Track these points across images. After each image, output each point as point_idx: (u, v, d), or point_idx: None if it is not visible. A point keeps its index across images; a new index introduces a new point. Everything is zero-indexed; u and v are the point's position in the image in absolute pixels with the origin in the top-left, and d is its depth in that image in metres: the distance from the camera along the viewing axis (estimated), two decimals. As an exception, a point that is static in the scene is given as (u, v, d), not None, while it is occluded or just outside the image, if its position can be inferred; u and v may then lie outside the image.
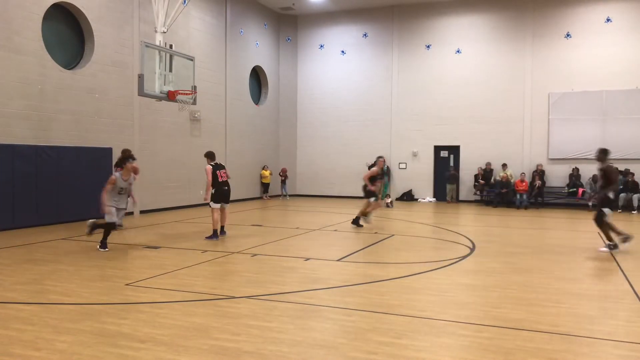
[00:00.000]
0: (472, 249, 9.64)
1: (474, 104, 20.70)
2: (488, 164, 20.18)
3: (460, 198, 20.99)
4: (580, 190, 18.44)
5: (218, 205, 10.51)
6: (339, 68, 22.89)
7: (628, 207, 17.56)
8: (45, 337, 4.69)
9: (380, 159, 13.30)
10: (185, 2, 13.90)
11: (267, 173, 21.90)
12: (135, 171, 9.44)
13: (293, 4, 21.78)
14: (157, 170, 16.10)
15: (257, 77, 22.59)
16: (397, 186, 21.76)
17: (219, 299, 6.05)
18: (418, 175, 21.63)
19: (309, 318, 5.35)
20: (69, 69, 13.60)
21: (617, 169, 10.02)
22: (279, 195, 22.81)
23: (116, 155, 13.80)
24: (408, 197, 21.60)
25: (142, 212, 15.17)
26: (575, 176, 18.93)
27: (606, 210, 9.43)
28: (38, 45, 12.64)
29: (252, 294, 6.26)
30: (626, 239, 9.37)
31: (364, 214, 12.80)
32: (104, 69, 14.35)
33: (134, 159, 9.41)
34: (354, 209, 16.48)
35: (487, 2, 20.63)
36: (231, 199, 10.92)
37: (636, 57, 18.66)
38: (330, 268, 8.01)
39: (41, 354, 4.30)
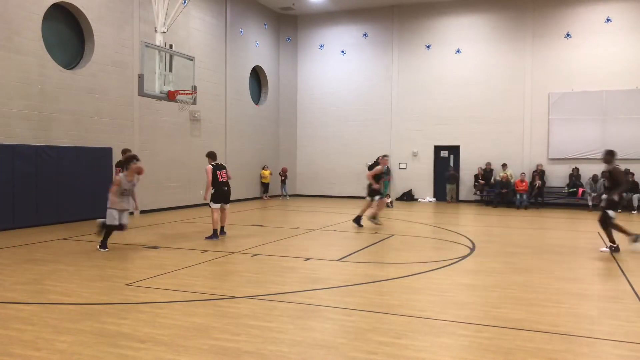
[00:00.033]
0: (472, 249, 9.64)
1: (474, 104, 20.70)
2: (488, 164, 20.19)
3: (460, 198, 20.99)
4: (580, 190, 18.44)
5: (218, 206, 10.52)
6: (339, 68, 22.89)
7: (628, 207, 17.55)
8: (45, 337, 4.69)
9: (385, 158, 13.32)
10: (185, 2, 13.91)
11: (267, 173, 21.90)
12: (140, 172, 9.42)
13: (293, 4, 21.78)
14: (157, 170, 16.10)
15: (257, 77, 22.60)
16: (397, 186, 21.75)
17: (219, 299, 6.05)
18: (418, 175, 21.63)
19: (309, 318, 5.35)
20: (69, 69, 13.61)
21: (625, 170, 9.91)
22: (279, 195, 22.81)
23: (116, 155, 13.82)
24: (408, 197, 21.61)
25: (142, 212, 15.17)
26: (575, 176, 18.93)
27: (610, 212, 9.35)
28: (38, 45, 12.65)
29: (252, 294, 6.26)
30: (637, 238, 9.33)
31: (373, 216, 12.78)
32: (104, 69, 14.35)
33: (138, 159, 9.38)
34: (354, 209, 16.47)
35: (487, 2, 20.63)
36: (231, 199, 10.93)
37: (636, 57, 18.66)
38: (330, 268, 8.01)
39: (41, 354, 4.30)
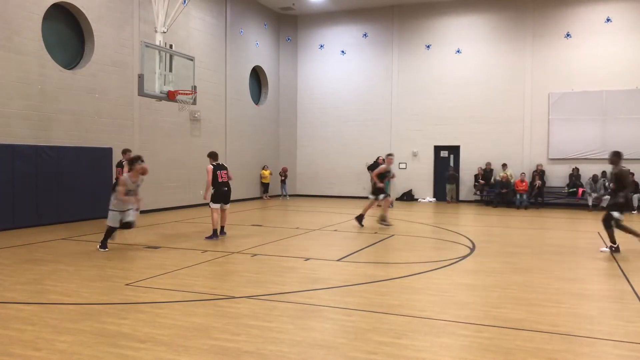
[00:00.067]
0: (472, 249, 9.64)
1: (474, 104, 20.70)
2: (488, 164, 20.19)
3: (460, 198, 20.99)
4: (580, 190, 18.44)
5: (218, 206, 10.53)
6: (339, 68, 22.89)
7: (628, 207, 17.54)
8: (45, 337, 4.69)
9: (390, 157, 13.34)
10: (185, 2, 13.91)
11: (267, 173, 21.90)
12: (144, 172, 9.42)
13: (293, 4, 21.78)
14: (157, 170, 16.08)
15: (257, 77, 22.60)
16: (397, 186, 21.74)
17: (219, 299, 6.05)
18: (418, 175, 21.63)
19: (309, 318, 5.35)
20: (69, 69, 13.61)
21: (631, 172, 9.79)
22: (279, 195, 22.81)
23: (116, 155, 13.83)
24: (408, 197, 21.61)
25: (142, 212, 15.10)
26: (575, 176, 18.93)
27: (616, 214, 9.29)
28: (38, 45, 12.65)
29: (252, 294, 6.26)
30: None
31: (383, 218, 12.77)
32: (104, 69, 14.36)
33: (142, 160, 9.39)
34: (354, 209, 16.47)
35: (487, 2, 20.63)
36: (231, 199, 10.93)
37: (636, 57, 18.66)
38: (330, 268, 8.01)
39: (41, 354, 4.30)
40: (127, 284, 6.72)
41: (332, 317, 5.43)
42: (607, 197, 17.64)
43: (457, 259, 8.66)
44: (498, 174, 19.90)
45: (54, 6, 13.13)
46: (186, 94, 12.73)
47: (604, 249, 9.54)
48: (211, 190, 10.48)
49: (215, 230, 10.52)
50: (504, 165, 19.81)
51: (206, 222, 12.45)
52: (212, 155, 10.81)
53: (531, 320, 5.28)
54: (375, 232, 11.88)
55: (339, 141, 22.89)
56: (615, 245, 9.33)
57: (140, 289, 6.50)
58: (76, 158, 13.30)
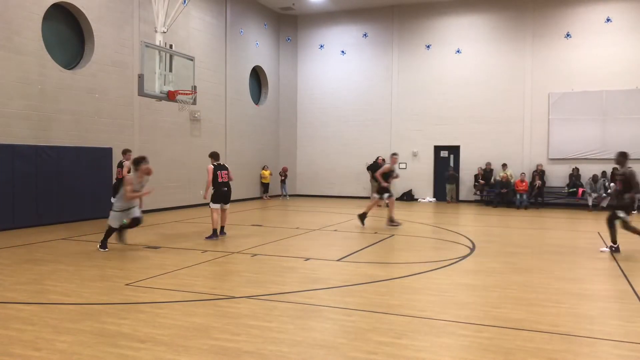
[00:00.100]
0: (472, 249, 9.64)
1: (474, 104, 20.70)
2: (488, 164, 20.19)
3: (460, 198, 20.99)
4: (580, 190, 18.44)
5: (217, 206, 10.55)
6: (339, 68, 22.89)
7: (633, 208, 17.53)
8: (45, 337, 4.69)
9: (395, 156, 13.40)
10: (185, 2, 13.91)
11: (267, 173, 21.90)
12: (149, 173, 9.43)
13: (293, 4, 21.78)
14: (157, 170, 15.98)
15: (257, 77, 22.60)
16: (397, 186, 21.72)
17: (219, 299, 6.05)
18: (418, 175, 21.63)
19: (309, 318, 5.35)
20: (69, 69, 13.61)
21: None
22: (279, 195, 22.81)
23: (116, 155, 13.83)
24: (408, 197, 21.61)
25: (142, 212, 15.13)
26: (575, 176, 18.93)
27: (622, 214, 9.25)
28: (38, 45, 12.65)
29: (252, 294, 6.26)
30: None
31: (391, 219, 12.76)
32: (104, 69, 14.35)
33: (147, 161, 9.41)
34: (354, 209, 16.47)
35: (487, 2, 20.63)
36: (231, 199, 10.93)
37: (636, 57, 18.66)
38: (330, 268, 8.01)
39: (41, 354, 4.30)
40: (127, 284, 6.72)
41: (332, 317, 5.43)
42: (608, 197, 17.71)
43: (457, 259, 8.66)
44: (498, 174, 19.90)
45: (54, 6, 13.13)
46: (186, 94, 12.74)
47: (604, 249, 9.54)
48: (211, 190, 10.51)
49: (215, 230, 10.53)
50: (504, 165, 19.81)
51: (206, 222, 12.45)
52: (214, 156, 10.85)
53: (531, 320, 5.28)
54: (376, 232, 11.88)
55: (339, 141, 22.89)
56: (615, 246, 9.33)
57: (140, 289, 6.50)
58: (76, 158, 13.30)
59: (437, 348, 4.51)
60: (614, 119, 18.77)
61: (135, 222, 9.35)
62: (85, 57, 14.10)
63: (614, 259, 8.80)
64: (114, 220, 9.20)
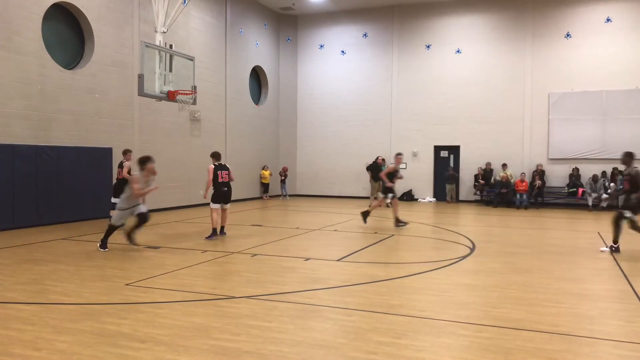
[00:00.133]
0: (472, 249, 9.64)
1: (474, 104, 20.70)
2: (488, 164, 20.18)
3: (460, 198, 20.99)
4: (580, 190, 18.43)
5: (217, 206, 10.57)
6: (339, 68, 22.89)
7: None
8: (45, 337, 4.69)
9: (399, 156, 13.43)
10: (185, 2, 13.91)
11: (267, 173, 21.89)
12: (154, 172, 9.47)
13: (293, 4, 21.78)
14: (158, 170, 16.00)
15: (257, 77, 22.60)
16: (397, 186, 21.69)
17: (219, 299, 6.05)
18: (418, 175, 21.62)
19: (309, 318, 5.35)
20: (69, 69, 13.61)
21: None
22: (279, 195, 22.81)
23: (116, 155, 13.83)
24: (408, 197, 21.60)
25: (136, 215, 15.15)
26: (575, 176, 18.93)
27: (629, 214, 9.22)
28: (38, 45, 12.64)
29: (252, 294, 6.26)
30: None
31: (397, 220, 12.76)
32: (104, 69, 14.35)
33: (153, 160, 9.45)
34: (354, 209, 16.50)
35: (487, 2, 20.63)
36: (231, 199, 10.94)
37: (636, 57, 18.66)
38: (330, 268, 8.01)
39: (41, 354, 4.30)
40: (127, 284, 6.72)
41: (332, 317, 5.43)
42: (607, 197, 17.70)
43: (457, 259, 8.66)
44: (498, 174, 19.90)
45: (54, 6, 13.13)
46: (186, 94, 12.74)
47: (604, 248, 9.54)
48: (211, 190, 10.54)
49: (214, 229, 10.55)
50: (504, 165, 19.81)
51: (206, 222, 12.45)
52: (215, 156, 10.88)
53: (531, 320, 5.28)
54: (376, 232, 11.88)
55: (339, 141, 22.89)
56: (615, 245, 9.32)
57: (140, 289, 6.50)
58: (76, 158, 13.30)
59: (437, 348, 4.51)
60: (614, 119, 18.77)
61: (142, 218, 9.34)
62: (85, 57, 14.10)
63: (614, 259, 8.80)
64: (118, 218, 9.25)
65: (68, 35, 13.88)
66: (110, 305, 5.77)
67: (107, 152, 14.14)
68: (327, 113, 23.06)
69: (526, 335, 4.81)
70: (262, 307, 5.69)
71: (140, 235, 11.00)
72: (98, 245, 9.28)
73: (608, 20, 19.01)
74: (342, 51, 22.82)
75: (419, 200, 21.55)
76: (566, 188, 18.97)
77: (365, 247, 9.91)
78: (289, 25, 23.49)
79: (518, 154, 20.18)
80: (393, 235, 11.51)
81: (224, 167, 10.71)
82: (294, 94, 23.68)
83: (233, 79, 20.05)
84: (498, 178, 19.70)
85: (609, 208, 17.76)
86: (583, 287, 6.86)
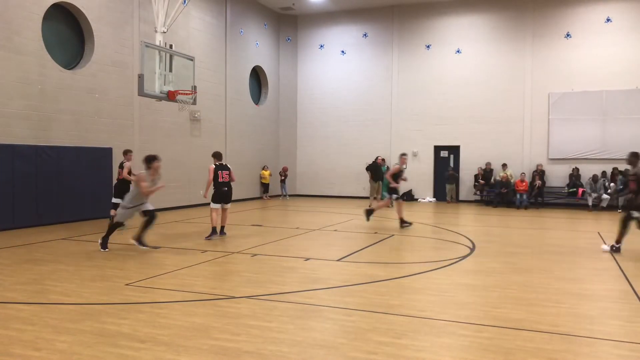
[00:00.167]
0: (472, 249, 9.64)
1: (474, 104, 20.70)
2: (488, 164, 20.18)
3: (460, 198, 20.99)
4: (580, 190, 18.43)
5: (218, 206, 10.58)
6: (339, 68, 22.89)
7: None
8: (45, 337, 4.69)
9: (404, 157, 13.49)
10: (185, 2, 13.91)
11: (267, 173, 21.89)
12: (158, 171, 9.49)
13: (293, 4, 21.78)
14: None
15: (257, 77, 22.59)
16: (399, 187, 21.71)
17: (219, 299, 6.05)
18: (418, 175, 21.61)
19: (309, 318, 5.35)
20: (69, 69, 13.61)
21: (626, 170, 9.62)
22: (279, 195, 22.81)
23: (116, 155, 13.83)
24: (408, 197, 21.56)
25: (142, 211, 15.14)
26: (575, 176, 18.93)
27: (637, 214, 9.20)
28: (38, 45, 12.64)
29: (252, 294, 6.26)
30: None
31: (401, 220, 12.73)
32: (104, 69, 14.35)
33: (159, 159, 9.47)
34: (354, 209, 16.50)
35: (487, 2, 20.63)
36: (232, 199, 10.94)
37: (636, 57, 18.66)
38: (330, 268, 8.01)
39: (41, 354, 4.30)
40: (127, 284, 6.72)
41: (332, 317, 5.43)
42: (607, 197, 17.70)
43: (457, 259, 8.66)
44: (498, 174, 19.90)
45: (54, 6, 13.13)
46: (186, 94, 12.74)
47: (605, 247, 9.54)
48: (211, 190, 10.56)
49: (214, 228, 10.56)
50: (504, 165, 19.81)
51: (206, 222, 12.45)
52: (216, 155, 10.89)
53: (531, 320, 5.28)
54: (376, 232, 11.89)
55: (339, 141, 22.89)
56: (617, 245, 9.32)
57: (140, 289, 6.50)
58: (76, 158, 13.30)
59: (437, 348, 4.51)
60: (614, 119, 18.77)
61: (151, 216, 9.34)
62: (85, 57, 14.10)
63: (614, 259, 8.80)
64: (122, 216, 9.30)
65: (68, 35, 13.88)
66: (110, 305, 5.77)
67: (107, 152, 14.14)
68: (327, 113, 23.06)
69: (526, 335, 4.81)
70: (262, 307, 5.69)
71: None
72: (99, 243, 9.28)
73: (608, 20, 19.01)
74: (342, 51, 22.82)
75: (419, 200, 21.55)
76: (566, 188, 18.97)
77: (365, 247, 9.91)
78: (289, 25, 23.49)
79: (518, 154, 20.18)
80: (393, 235, 11.52)
81: (224, 167, 10.72)
82: (294, 94, 23.68)
83: (233, 79, 20.05)
84: (498, 178, 19.70)
85: (609, 208, 17.77)
86: (583, 287, 6.86)
